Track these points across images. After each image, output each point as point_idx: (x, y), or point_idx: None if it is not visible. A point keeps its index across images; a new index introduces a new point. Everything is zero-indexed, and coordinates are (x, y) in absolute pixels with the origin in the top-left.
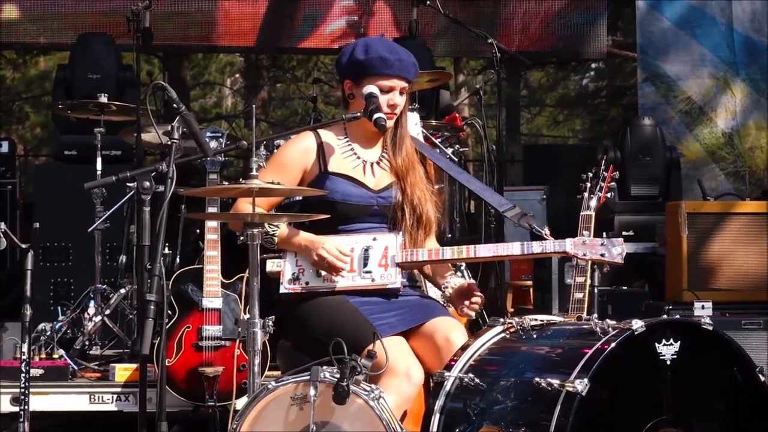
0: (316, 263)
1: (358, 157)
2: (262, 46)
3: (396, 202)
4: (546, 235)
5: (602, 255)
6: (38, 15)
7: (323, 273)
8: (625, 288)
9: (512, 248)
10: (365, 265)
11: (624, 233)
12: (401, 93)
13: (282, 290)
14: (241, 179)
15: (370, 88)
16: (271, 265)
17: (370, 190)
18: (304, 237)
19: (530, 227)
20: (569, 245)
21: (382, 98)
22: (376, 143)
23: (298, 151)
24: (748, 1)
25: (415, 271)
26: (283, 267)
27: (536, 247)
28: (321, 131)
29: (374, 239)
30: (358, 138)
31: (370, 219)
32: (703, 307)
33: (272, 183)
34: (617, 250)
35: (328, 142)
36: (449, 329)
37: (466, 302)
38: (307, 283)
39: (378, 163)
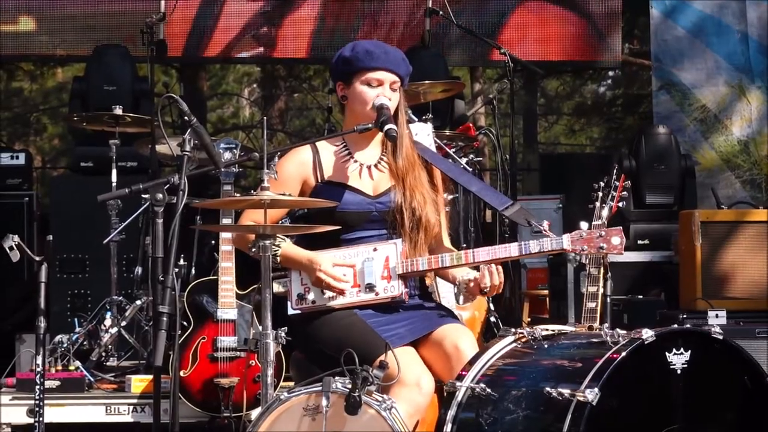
0: (316, 284)
1: (356, 161)
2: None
3: (395, 206)
4: (545, 230)
5: (601, 248)
6: (54, 27)
7: (329, 292)
8: (641, 297)
9: (510, 249)
10: (367, 278)
11: (639, 242)
12: (392, 89)
13: (290, 312)
14: (252, 191)
15: (380, 100)
16: (277, 287)
17: (367, 196)
18: (304, 255)
19: (528, 223)
20: (566, 242)
21: (372, 92)
22: (373, 145)
23: (294, 164)
24: (763, 8)
25: (427, 279)
26: (290, 287)
27: (534, 246)
28: (318, 142)
29: (375, 250)
30: (354, 141)
31: (370, 226)
32: (717, 316)
33: (283, 194)
34: (616, 240)
35: (324, 151)
36: (458, 337)
37: (486, 282)
38: (313, 302)
39: (376, 165)
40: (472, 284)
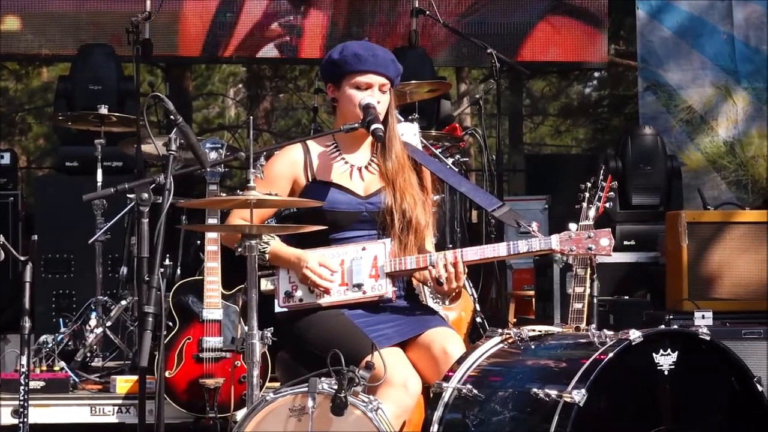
0: (302, 281)
1: (346, 162)
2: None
3: (385, 207)
4: (534, 231)
5: (590, 249)
6: (40, 26)
7: (315, 289)
8: (627, 298)
9: (499, 249)
10: (355, 277)
11: (625, 242)
12: (382, 91)
13: (277, 309)
14: (238, 191)
15: (367, 99)
16: (265, 284)
17: (358, 196)
18: (292, 253)
19: (518, 224)
20: (555, 242)
21: (361, 95)
22: (364, 147)
23: (285, 163)
24: (750, 9)
25: (414, 281)
26: (277, 284)
27: (522, 246)
28: (309, 141)
29: (363, 249)
30: (345, 143)
31: (359, 226)
32: (703, 317)
33: (269, 194)
34: (605, 241)
35: (315, 151)
36: (446, 340)
37: (441, 272)
38: (300, 300)
39: (367, 167)
40: (430, 281)
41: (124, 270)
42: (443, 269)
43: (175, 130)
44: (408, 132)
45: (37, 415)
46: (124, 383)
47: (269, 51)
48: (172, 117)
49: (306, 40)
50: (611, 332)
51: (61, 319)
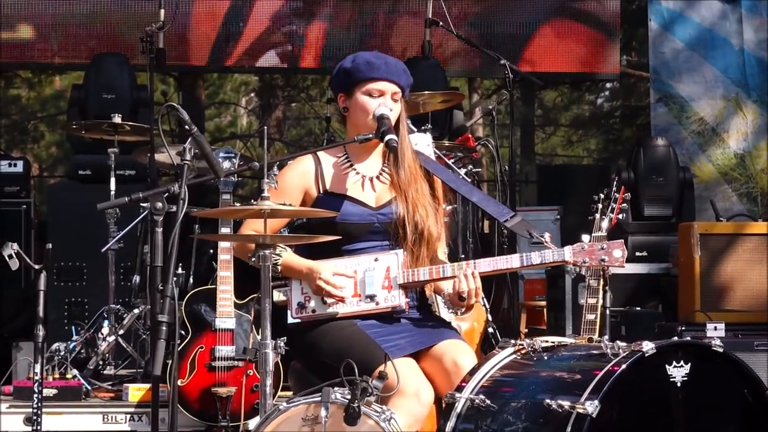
0: (317, 293)
1: (358, 173)
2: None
3: (397, 218)
4: (546, 242)
5: (603, 260)
6: (53, 35)
7: (329, 300)
8: (639, 309)
9: (512, 261)
10: (368, 288)
11: (637, 254)
12: (394, 99)
13: (290, 320)
14: (252, 200)
15: (381, 110)
16: (277, 295)
17: (369, 207)
18: (305, 264)
19: (530, 235)
20: (568, 253)
21: (373, 103)
22: (374, 156)
23: (296, 175)
24: (759, 22)
25: (427, 291)
26: (290, 296)
27: (535, 257)
28: (320, 152)
29: (376, 260)
30: (355, 153)
31: (371, 237)
32: (715, 328)
33: (283, 204)
34: (618, 252)
35: (326, 162)
36: (457, 352)
37: (463, 287)
38: (313, 311)
39: (378, 177)
40: (450, 294)
41: (136, 278)
42: (465, 283)
43: (189, 139)
44: (421, 142)
45: (50, 422)
46: (136, 391)
47: (270, 58)
48: (187, 127)
49: (307, 49)
50: (624, 344)
51: (73, 327)
